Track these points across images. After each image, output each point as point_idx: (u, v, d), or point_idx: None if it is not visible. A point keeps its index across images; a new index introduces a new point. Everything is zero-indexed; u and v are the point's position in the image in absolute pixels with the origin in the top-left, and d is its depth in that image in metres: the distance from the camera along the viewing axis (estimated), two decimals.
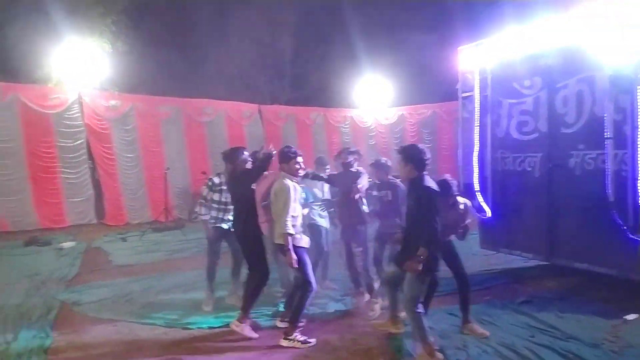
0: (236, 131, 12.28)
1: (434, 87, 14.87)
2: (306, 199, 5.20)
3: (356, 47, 14.59)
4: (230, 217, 5.08)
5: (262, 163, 4.56)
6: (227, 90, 13.26)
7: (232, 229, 4.90)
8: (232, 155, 4.82)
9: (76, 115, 10.12)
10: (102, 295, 5.63)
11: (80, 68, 10.08)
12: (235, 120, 12.50)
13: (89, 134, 10.28)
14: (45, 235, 9.00)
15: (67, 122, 10.03)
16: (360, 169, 5.25)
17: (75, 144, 10.13)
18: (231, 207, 5.01)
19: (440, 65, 11.33)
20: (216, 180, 5.17)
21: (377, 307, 4.84)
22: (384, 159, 5.34)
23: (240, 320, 4.40)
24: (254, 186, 4.66)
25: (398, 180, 5.05)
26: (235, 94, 13.19)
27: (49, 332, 4.52)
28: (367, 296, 5.06)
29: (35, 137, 9.70)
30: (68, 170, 10.06)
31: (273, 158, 4.57)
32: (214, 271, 5.25)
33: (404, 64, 15.05)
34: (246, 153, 4.81)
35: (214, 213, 5.16)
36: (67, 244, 8.39)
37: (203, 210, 5.19)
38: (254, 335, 4.37)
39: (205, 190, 5.21)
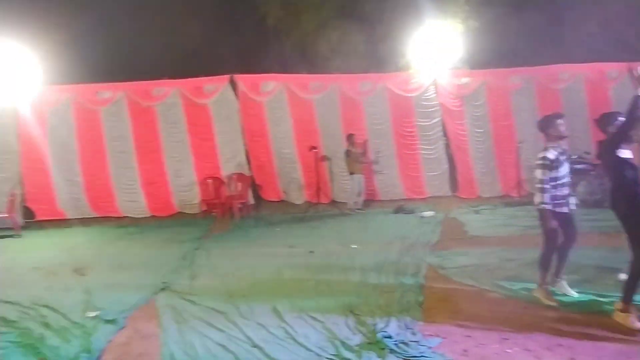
0: (598, 96, 10.78)
1: None
2: None
3: None
4: (564, 193, 4.54)
5: (628, 115, 3.88)
6: (587, 50, 11.70)
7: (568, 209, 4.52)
8: (604, 121, 4.25)
9: (432, 96, 11.02)
10: (462, 263, 6.04)
11: (435, 51, 10.87)
12: (597, 83, 10.95)
13: (443, 113, 11.04)
14: (408, 204, 10.28)
15: (425, 103, 11.03)
16: None
17: (431, 122, 11.07)
18: (563, 181, 4.52)
19: None
20: (551, 155, 4.46)
21: None
22: None
23: (623, 309, 3.93)
24: (620, 153, 4.02)
25: None
26: (597, 54, 11.51)
27: (421, 290, 5.18)
28: None
29: (399, 118, 11.09)
30: (426, 147, 11.11)
31: None
32: (549, 260, 4.65)
33: None
34: (621, 119, 4.08)
35: (549, 194, 4.48)
36: (428, 213, 9.35)
37: (546, 197, 4.44)
38: None
39: (539, 172, 4.49)
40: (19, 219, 9.90)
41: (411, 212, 9.69)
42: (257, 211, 10.66)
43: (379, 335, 4.02)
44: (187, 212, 10.74)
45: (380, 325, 4.24)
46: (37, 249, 8.16)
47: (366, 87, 11.03)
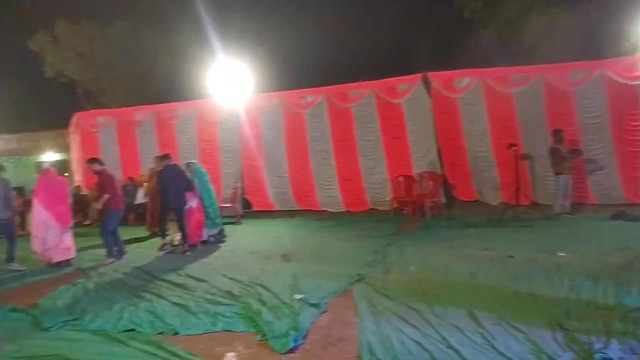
0: None
1: None
2: None
3: None
4: None
5: None
6: None
7: None
8: None
9: None
10: None
11: None
12: None
13: None
14: (631, 210, 8.79)
15: None
16: None
17: None
18: None
19: None
20: None
21: None
22: None
23: None
24: None
25: None
26: None
27: None
28: None
29: (620, 110, 9.57)
30: None
31: None
32: None
33: None
34: None
35: None
36: None
37: None
38: None
39: None
40: (240, 209, 11.56)
41: (635, 219, 8.28)
42: (449, 210, 10.40)
43: (597, 356, 3.54)
44: (378, 208, 11.07)
45: (598, 345, 3.72)
46: (253, 235, 9.42)
47: (578, 77, 9.78)
